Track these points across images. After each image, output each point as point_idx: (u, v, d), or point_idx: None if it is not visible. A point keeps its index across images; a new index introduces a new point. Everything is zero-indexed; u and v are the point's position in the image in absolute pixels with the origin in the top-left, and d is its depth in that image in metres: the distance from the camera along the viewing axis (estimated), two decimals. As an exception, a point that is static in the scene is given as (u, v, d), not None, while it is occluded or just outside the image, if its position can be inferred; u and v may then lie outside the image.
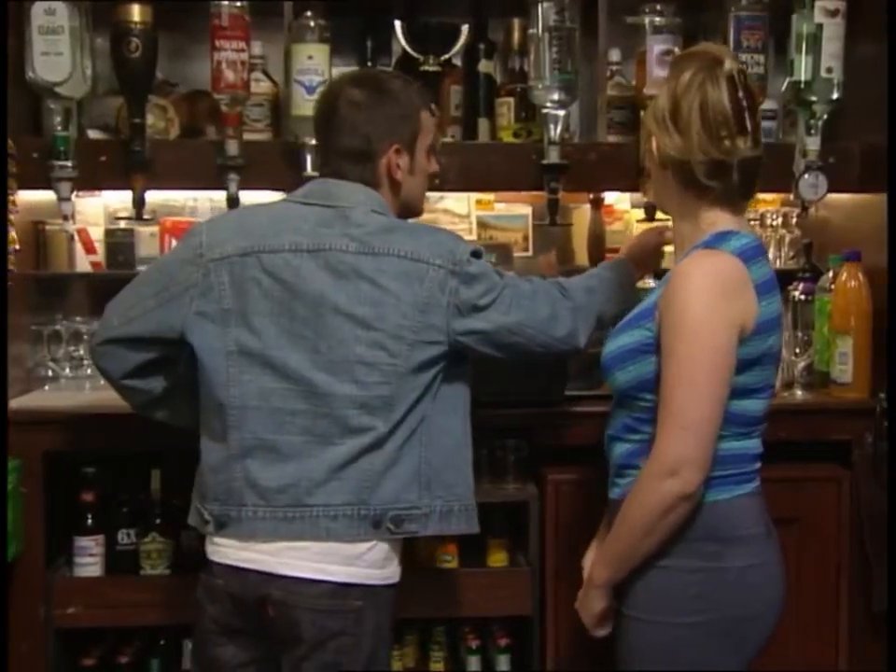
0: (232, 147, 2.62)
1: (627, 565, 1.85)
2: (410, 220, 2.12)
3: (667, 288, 1.82)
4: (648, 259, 2.32)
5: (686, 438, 1.76)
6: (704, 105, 1.82)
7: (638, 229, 2.84)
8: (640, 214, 2.85)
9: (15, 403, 2.50)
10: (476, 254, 2.02)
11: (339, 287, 1.94)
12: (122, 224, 2.90)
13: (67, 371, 2.82)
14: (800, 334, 2.72)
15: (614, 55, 2.90)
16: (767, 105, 2.82)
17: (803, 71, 2.65)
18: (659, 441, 1.79)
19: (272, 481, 1.94)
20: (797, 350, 2.70)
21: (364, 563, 1.94)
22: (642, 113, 2.59)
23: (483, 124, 2.96)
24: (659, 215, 2.58)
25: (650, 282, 2.54)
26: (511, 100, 2.90)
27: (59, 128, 2.53)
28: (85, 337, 2.79)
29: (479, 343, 2.01)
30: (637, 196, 2.90)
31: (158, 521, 2.57)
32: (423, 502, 1.97)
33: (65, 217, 2.62)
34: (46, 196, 2.60)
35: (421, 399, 1.97)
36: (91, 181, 2.63)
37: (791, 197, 2.78)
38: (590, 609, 1.93)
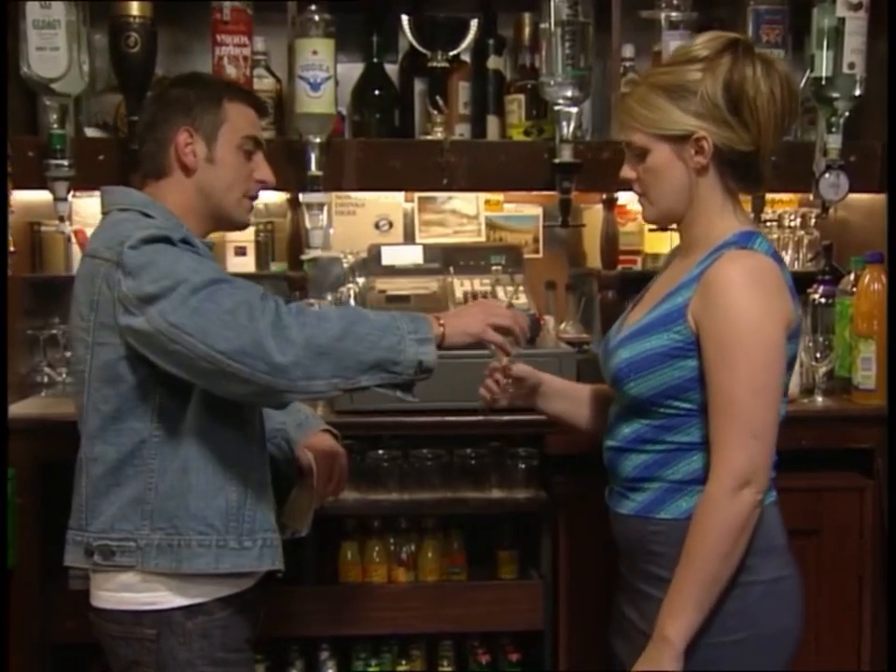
0: (234, 146, 2.56)
1: (707, 603, 1.71)
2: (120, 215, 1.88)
3: (707, 292, 1.74)
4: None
5: (758, 446, 1.71)
6: (772, 92, 1.74)
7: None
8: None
9: (10, 410, 2.43)
10: (150, 240, 1.75)
11: None
12: (121, 225, 2.84)
13: (64, 376, 2.74)
14: (820, 338, 2.65)
15: (628, 51, 2.84)
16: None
17: (824, 67, 2.61)
18: (728, 452, 1.71)
19: None
20: (818, 355, 2.63)
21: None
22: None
23: (492, 122, 2.92)
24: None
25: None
26: (522, 97, 2.85)
27: (55, 126, 2.49)
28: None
29: (140, 345, 1.76)
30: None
31: (157, 532, 2.48)
32: (141, 533, 1.81)
33: (62, 218, 2.58)
34: (42, 196, 2.56)
35: (128, 414, 1.82)
36: (88, 181, 2.57)
37: (811, 197, 2.73)
38: None
